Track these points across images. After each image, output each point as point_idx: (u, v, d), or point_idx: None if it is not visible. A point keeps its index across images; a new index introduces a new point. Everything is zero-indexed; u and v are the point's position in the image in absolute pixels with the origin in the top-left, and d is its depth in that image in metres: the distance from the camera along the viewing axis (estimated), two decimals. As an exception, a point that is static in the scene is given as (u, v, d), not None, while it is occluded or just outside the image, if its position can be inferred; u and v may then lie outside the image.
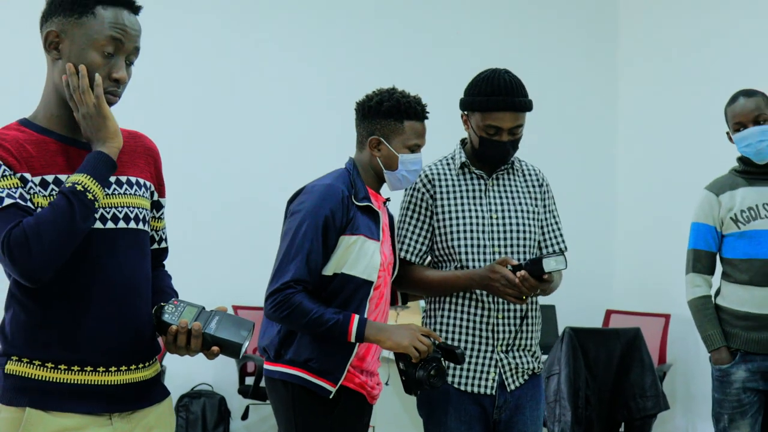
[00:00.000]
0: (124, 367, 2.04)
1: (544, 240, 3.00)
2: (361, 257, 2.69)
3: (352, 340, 2.61)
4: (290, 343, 2.71)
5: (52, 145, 2.01)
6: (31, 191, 1.94)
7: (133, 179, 2.13)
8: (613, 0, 6.86)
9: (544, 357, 4.70)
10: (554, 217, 3.07)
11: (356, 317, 2.61)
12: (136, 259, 2.10)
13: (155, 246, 2.30)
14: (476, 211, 2.88)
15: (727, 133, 3.71)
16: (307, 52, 6.19)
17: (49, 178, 1.97)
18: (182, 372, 5.77)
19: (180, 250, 5.63)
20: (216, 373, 5.92)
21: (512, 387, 2.85)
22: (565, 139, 6.72)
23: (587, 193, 6.73)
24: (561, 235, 3.06)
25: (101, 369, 2.01)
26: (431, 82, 5.49)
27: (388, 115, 2.79)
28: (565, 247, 3.03)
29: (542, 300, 6.59)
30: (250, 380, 5.66)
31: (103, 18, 1.99)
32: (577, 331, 4.69)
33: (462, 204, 2.89)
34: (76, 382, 1.98)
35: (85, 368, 1.99)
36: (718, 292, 3.74)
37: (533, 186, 3.03)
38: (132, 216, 2.10)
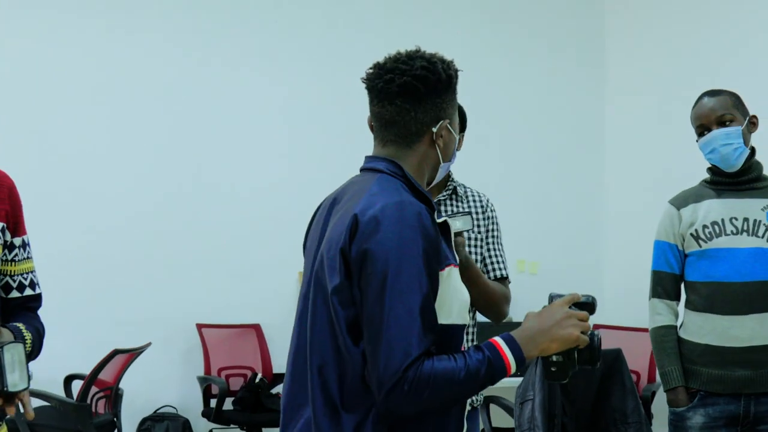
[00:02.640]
0: None
1: (485, 267, 2.77)
2: (455, 295, 1.94)
3: (513, 370, 1.86)
4: None
5: None
6: None
7: None
8: (599, 7, 6.62)
9: (519, 380, 4.41)
10: (496, 243, 2.83)
11: (500, 342, 1.86)
12: None
13: (14, 294, 2.02)
14: None
15: (697, 142, 3.24)
16: (273, 68, 5.95)
17: None
18: (144, 394, 5.52)
19: (144, 268, 5.50)
20: (181, 395, 5.65)
21: None
22: (552, 151, 6.49)
23: (575, 205, 6.50)
24: (503, 262, 2.82)
25: None
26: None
27: (452, 88, 2.00)
28: (506, 275, 2.79)
29: (516, 317, 6.37)
30: (215, 402, 5.38)
31: None
32: (553, 354, 4.39)
33: None
34: None
35: None
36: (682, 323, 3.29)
37: (476, 212, 2.83)
38: None
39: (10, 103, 5.40)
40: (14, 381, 1.74)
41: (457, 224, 2.36)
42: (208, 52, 5.80)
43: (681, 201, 3.26)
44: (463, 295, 1.94)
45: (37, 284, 2.09)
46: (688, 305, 3.22)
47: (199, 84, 5.75)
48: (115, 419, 4.97)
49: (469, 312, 2.48)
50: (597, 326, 6.05)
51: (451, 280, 1.88)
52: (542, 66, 6.50)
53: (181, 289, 5.60)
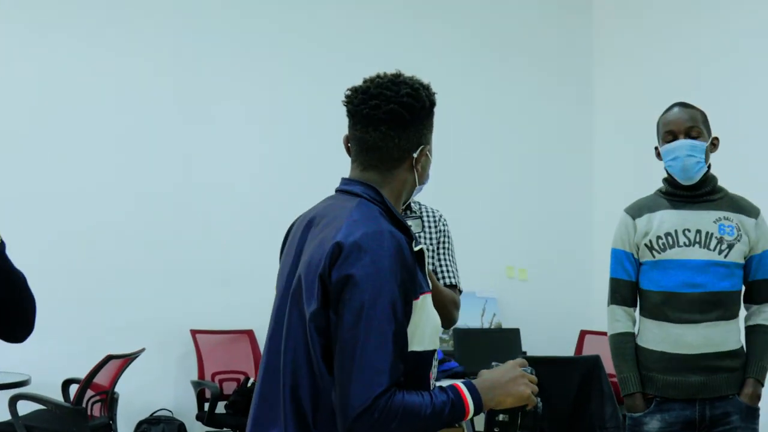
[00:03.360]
0: None
1: (436, 275, 2.89)
2: (427, 322, 1.98)
3: (471, 414, 1.93)
4: None
5: None
6: None
7: None
8: (587, 15, 6.73)
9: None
10: (447, 254, 2.96)
11: (464, 387, 1.94)
12: None
13: None
14: None
15: (656, 148, 3.31)
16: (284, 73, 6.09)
17: None
18: (141, 397, 5.66)
19: (140, 275, 5.65)
20: (176, 398, 5.80)
21: None
22: (541, 159, 6.60)
23: (564, 212, 6.61)
24: (453, 271, 2.94)
25: None
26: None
27: (432, 114, 2.08)
28: (456, 283, 2.92)
29: (505, 323, 6.45)
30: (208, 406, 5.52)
31: None
32: (531, 360, 4.50)
33: None
34: None
35: None
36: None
37: (429, 227, 2.95)
38: None
39: (8, 108, 5.56)
40: None
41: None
42: (201, 57, 5.93)
43: (636, 210, 3.33)
44: (435, 320, 1.98)
45: None
46: (643, 312, 3.31)
47: (190, 92, 5.89)
48: (111, 422, 5.12)
49: None
50: (584, 332, 6.17)
51: (425, 308, 1.92)
52: (532, 76, 6.61)
53: (175, 295, 5.74)
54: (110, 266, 5.68)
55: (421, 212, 2.97)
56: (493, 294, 6.33)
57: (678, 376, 3.19)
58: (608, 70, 6.59)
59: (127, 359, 5.12)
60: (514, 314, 6.33)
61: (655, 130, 3.35)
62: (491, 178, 6.50)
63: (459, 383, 1.92)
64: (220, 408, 5.48)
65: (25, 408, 4.95)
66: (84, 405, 4.90)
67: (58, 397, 5.21)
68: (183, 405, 5.74)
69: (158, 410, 5.70)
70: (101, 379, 5.08)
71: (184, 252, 5.80)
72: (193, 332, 5.75)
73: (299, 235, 2.02)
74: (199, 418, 5.52)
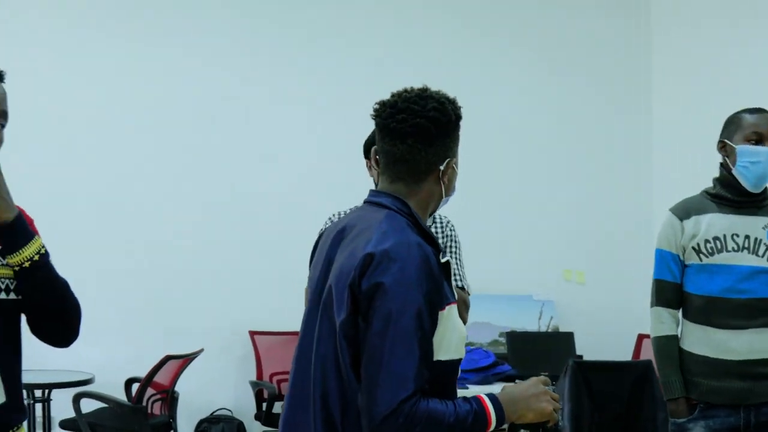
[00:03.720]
0: None
1: None
2: (453, 332, 2.05)
3: (493, 426, 1.98)
4: None
5: None
6: None
7: None
8: (644, 17, 6.68)
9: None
10: (453, 257, 3.07)
11: (487, 399, 1.98)
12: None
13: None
14: None
15: (723, 142, 3.22)
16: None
17: None
18: (201, 396, 5.81)
19: (201, 280, 5.79)
20: (236, 398, 5.93)
21: None
22: (599, 161, 6.58)
23: (623, 215, 6.58)
24: (461, 274, 3.07)
25: None
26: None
27: (458, 127, 2.15)
28: (463, 286, 3.03)
29: (563, 326, 6.41)
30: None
31: None
32: (582, 365, 4.52)
33: None
34: None
35: None
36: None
37: (436, 233, 3.07)
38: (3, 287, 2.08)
39: (61, 131, 5.76)
40: None
41: None
42: (243, 67, 6.06)
43: (683, 212, 3.27)
44: (461, 331, 2.04)
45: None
46: (686, 315, 3.26)
47: (246, 100, 6.03)
48: (171, 420, 5.26)
49: None
50: (642, 336, 6.12)
51: (451, 318, 1.98)
52: (591, 80, 6.59)
53: (235, 298, 5.87)
54: (174, 273, 5.85)
55: (433, 219, 3.07)
56: (550, 297, 6.32)
57: (722, 381, 3.15)
58: (667, 71, 6.54)
59: (186, 359, 5.26)
60: (571, 317, 6.32)
61: (721, 126, 3.26)
62: (549, 181, 6.50)
63: (483, 395, 1.98)
64: (278, 408, 5.58)
65: (89, 406, 5.12)
66: (144, 403, 5.04)
67: (121, 395, 5.37)
68: (242, 405, 5.87)
69: (218, 409, 5.83)
70: (162, 378, 5.22)
71: (244, 256, 5.93)
72: (252, 333, 5.87)
73: (329, 245, 2.08)
74: (257, 417, 5.63)
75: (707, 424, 3.18)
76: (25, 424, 2.22)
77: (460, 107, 2.14)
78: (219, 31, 6.05)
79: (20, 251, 2.03)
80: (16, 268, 2.04)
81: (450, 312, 1.97)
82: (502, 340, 5.81)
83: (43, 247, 2.08)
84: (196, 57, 5.99)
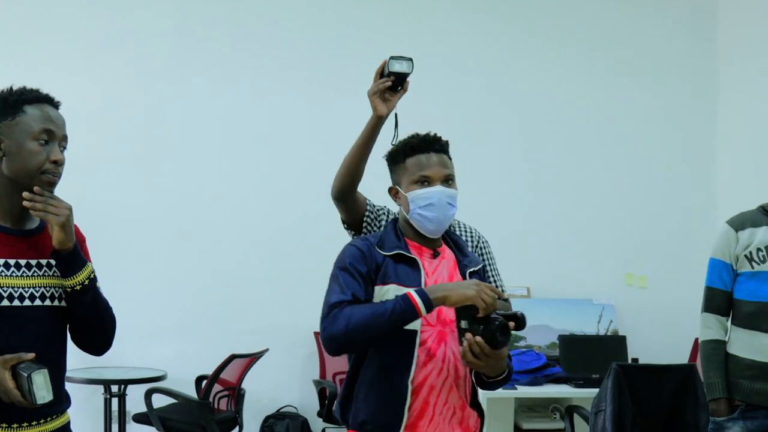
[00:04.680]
0: (34, 422, 2.37)
1: None
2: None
3: (422, 310, 2.42)
4: (348, 405, 2.59)
5: None
6: None
7: (43, 261, 2.40)
8: (711, 20, 6.70)
9: (596, 390, 4.67)
10: (491, 270, 3.24)
11: (411, 290, 2.46)
12: (46, 332, 2.38)
13: None
14: None
15: None
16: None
17: None
18: (268, 394, 6.09)
19: (270, 283, 6.08)
20: (301, 396, 6.19)
21: None
22: (662, 165, 6.61)
23: (686, 219, 6.61)
24: (498, 283, 3.21)
25: (15, 425, 2.34)
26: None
27: (395, 160, 2.70)
28: (507, 298, 3.11)
29: (622, 329, 6.43)
30: (330, 404, 5.88)
31: (33, 114, 2.34)
32: (625, 368, 4.61)
33: None
34: None
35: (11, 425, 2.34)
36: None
37: (466, 240, 3.24)
38: (48, 295, 2.39)
39: (127, 147, 6.12)
40: (41, 395, 2.23)
41: (396, 66, 2.86)
42: (297, 77, 6.31)
43: (739, 224, 3.48)
44: None
45: None
46: (735, 321, 3.44)
47: (306, 102, 6.28)
48: (237, 416, 5.55)
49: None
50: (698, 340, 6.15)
51: (387, 294, 2.53)
52: (656, 83, 6.63)
53: (300, 301, 6.09)
54: (243, 275, 6.15)
55: (460, 231, 3.21)
56: (610, 301, 6.40)
57: (764, 383, 3.30)
58: (733, 81, 6.52)
59: (253, 358, 5.54)
60: (631, 321, 6.38)
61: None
62: (613, 186, 6.57)
63: (411, 289, 2.49)
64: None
65: (161, 401, 5.45)
66: (211, 400, 5.34)
67: (191, 392, 5.69)
68: (307, 402, 6.13)
69: (284, 407, 6.11)
70: (229, 376, 5.51)
71: (308, 260, 6.16)
72: (317, 334, 6.12)
73: None
74: (320, 414, 5.88)
75: (745, 424, 3.33)
76: (69, 410, 2.52)
77: (405, 140, 2.72)
78: (243, 37, 6.31)
79: (74, 276, 2.36)
80: (68, 289, 2.37)
81: (389, 290, 2.53)
82: (555, 341, 5.92)
83: (93, 272, 2.40)
84: (273, 78, 6.28)
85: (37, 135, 2.33)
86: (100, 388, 5.62)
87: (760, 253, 3.35)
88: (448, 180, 2.65)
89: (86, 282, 2.38)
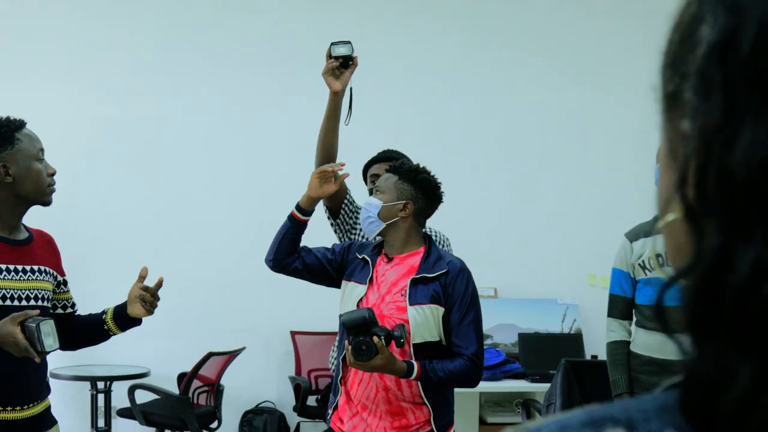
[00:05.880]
0: (25, 406, 2.75)
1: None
2: (348, 298, 3.19)
3: (296, 212, 3.43)
4: None
5: None
6: None
7: (35, 267, 2.80)
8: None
9: (548, 385, 5.00)
10: None
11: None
12: None
13: (69, 311, 3.02)
14: None
15: None
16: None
17: None
18: (248, 391, 6.41)
19: (248, 285, 6.40)
20: (279, 392, 6.51)
21: None
22: (623, 172, 6.90)
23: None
24: None
25: (8, 408, 2.72)
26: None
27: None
28: None
29: (585, 328, 6.73)
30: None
31: (25, 139, 2.73)
32: (573, 363, 4.94)
33: None
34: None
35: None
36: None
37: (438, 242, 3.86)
38: (40, 296, 2.79)
39: (113, 155, 6.44)
40: (49, 343, 2.56)
41: (337, 50, 3.38)
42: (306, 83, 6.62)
43: (634, 235, 3.84)
44: (349, 302, 3.15)
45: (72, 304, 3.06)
46: (637, 323, 3.81)
47: (286, 115, 6.60)
48: (216, 411, 5.87)
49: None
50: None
51: (347, 289, 3.16)
52: (618, 82, 6.90)
53: (277, 301, 6.44)
54: (225, 278, 6.46)
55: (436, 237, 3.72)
56: (574, 301, 6.71)
57: (661, 377, 3.50)
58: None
59: (230, 356, 5.87)
60: (595, 321, 6.68)
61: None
62: (577, 188, 6.84)
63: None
64: (311, 401, 6.15)
65: (143, 397, 5.77)
66: (190, 395, 5.67)
67: (173, 389, 6.00)
68: (284, 398, 6.45)
69: (262, 402, 6.43)
70: (209, 372, 5.84)
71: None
72: (293, 333, 6.44)
73: None
74: (295, 409, 6.20)
75: None
76: (49, 398, 2.89)
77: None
78: (227, 51, 6.64)
79: (125, 330, 2.93)
80: (110, 332, 2.92)
81: (348, 286, 3.18)
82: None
83: None
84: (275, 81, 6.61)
85: (36, 155, 2.73)
86: (87, 385, 5.95)
87: (652, 261, 3.70)
88: (376, 189, 3.27)
89: (117, 333, 2.94)
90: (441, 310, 3.06)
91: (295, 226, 3.33)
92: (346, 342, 2.92)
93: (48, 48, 6.42)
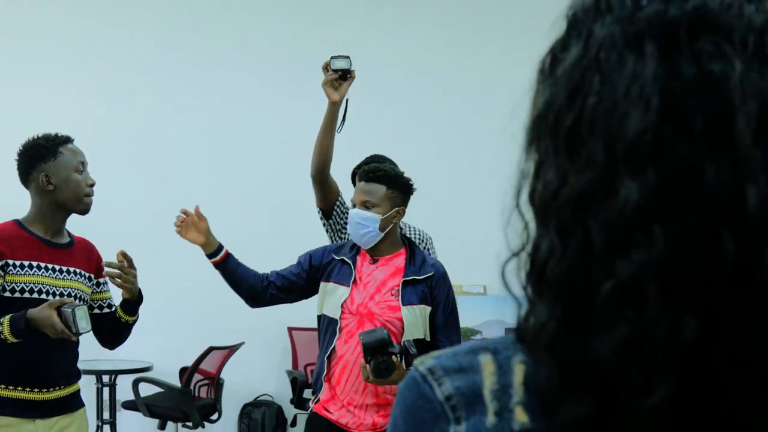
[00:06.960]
0: (52, 388, 3.10)
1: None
2: (330, 299, 3.46)
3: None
4: None
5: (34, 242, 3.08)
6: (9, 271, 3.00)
7: (72, 269, 3.16)
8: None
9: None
10: None
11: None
12: None
13: (106, 311, 3.38)
14: None
15: None
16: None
17: (26, 262, 3.04)
18: (247, 384, 6.67)
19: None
20: (277, 385, 6.77)
21: None
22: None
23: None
24: None
25: (36, 390, 3.05)
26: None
27: (353, 182, 3.77)
28: None
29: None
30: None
31: (68, 153, 3.12)
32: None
33: None
34: (17, 397, 3.01)
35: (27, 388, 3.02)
36: None
37: (418, 241, 4.13)
38: (74, 294, 3.14)
39: (115, 156, 6.70)
40: (83, 326, 2.85)
41: (336, 64, 3.64)
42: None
43: None
44: (335, 302, 3.42)
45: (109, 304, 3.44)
46: None
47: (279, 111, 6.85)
48: (216, 403, 6.14)
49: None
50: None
51: (327, 290, 3.43)
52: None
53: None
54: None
55: (410, 233, 3.99)
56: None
57: None
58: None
59: (230, 350, 6.13)
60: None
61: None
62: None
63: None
64: (308, 394, 6.39)
65: (147, 390, 6.03)
66: (192, 388, 5.93)
67: (175, 382, 6.26)
68: (281, 391, 6.71)
69: (261, 395, 6.70)
70: (209, 366, 6.10)
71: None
72: (290, 329, 6.71)
73: None
74: (292, 402, 6.46)
75: None
76: (79, 382, 3.29)
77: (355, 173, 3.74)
78: (222, 53, 6.84)
79: (134, 315, 3.28)
80: (123, 321, 3.26)
81: (327, 287, 3.46)
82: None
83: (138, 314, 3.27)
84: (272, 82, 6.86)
85: (77, 167, 3.12)
86: (93, 378, 6.21)
87: None
88: (365, 204, 3.37)
89: (132, 321, 3.26)
90: (428, 309, 3.40)
91: (221, 269, 3.81)
92: (363, 361, 3.15)
93: (48, 48, 6.62)
